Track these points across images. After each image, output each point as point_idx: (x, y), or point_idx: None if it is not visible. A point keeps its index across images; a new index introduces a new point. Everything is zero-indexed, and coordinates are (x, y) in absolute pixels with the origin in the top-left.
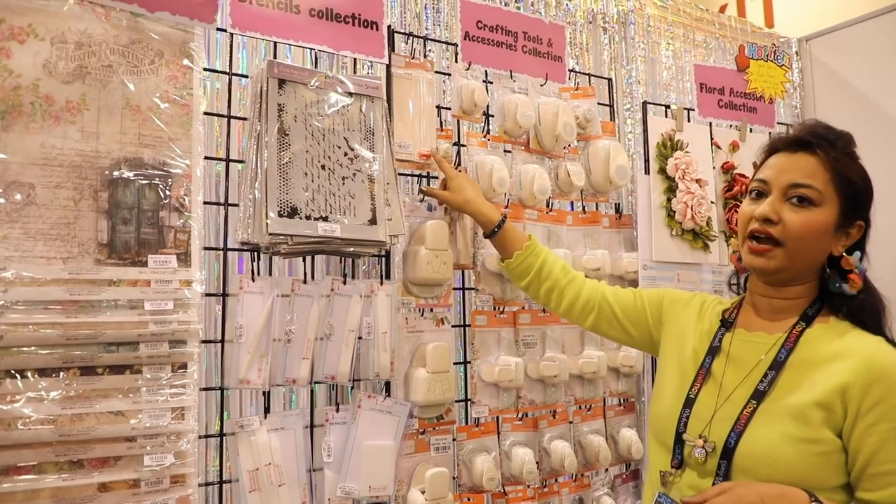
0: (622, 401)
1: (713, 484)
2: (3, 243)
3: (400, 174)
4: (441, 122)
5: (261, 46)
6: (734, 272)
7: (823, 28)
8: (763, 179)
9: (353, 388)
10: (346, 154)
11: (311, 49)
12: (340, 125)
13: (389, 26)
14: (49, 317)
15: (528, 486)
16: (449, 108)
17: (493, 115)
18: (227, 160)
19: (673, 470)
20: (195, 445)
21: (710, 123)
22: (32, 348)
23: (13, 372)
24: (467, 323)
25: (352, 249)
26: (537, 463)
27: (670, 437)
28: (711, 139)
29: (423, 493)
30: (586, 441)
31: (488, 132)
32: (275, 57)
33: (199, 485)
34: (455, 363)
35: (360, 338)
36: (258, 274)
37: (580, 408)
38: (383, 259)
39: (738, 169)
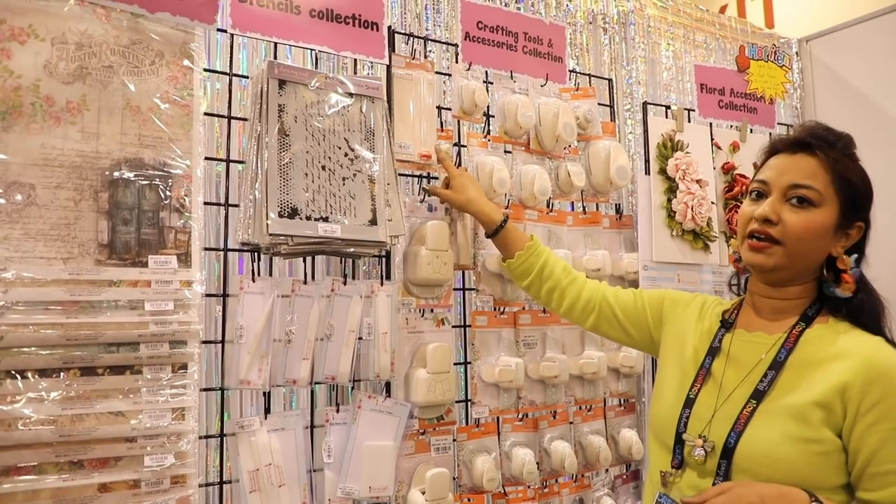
0: (622, 401)
1: (713, 484)
2: (4, 244)
3: (400, 175)
4: (441, 123)
5: (261, 47)
6: (734, 273)
7: (824, 28)
8: (763, 180)
9: (353, 388)
10: (346, 154)
11: (311, 50)
12: (341, 126)
13: (390, 27)
14: (49, 317)
15: (529, 487)
16: (449, 109)
17: (493, 116)
18: (228, 161)
19: (673, 470)
20: (195, 446)
21: (711, 124)
22: (33, 349)
23: (14, 372)
24: (468, 323)
25: (352, 250)
26: (538, 463)
27: (670, 438)
28: (712, 140)
29: (423, 493)
30: (587, 441)
31: (489, 133)
32: (275, 57)
33: (200, 485)
34: (455, 364)
35: (360, 338)
36: (258, 274)
37: (580, 408)
38: (384, 259)
39: (738, 169)
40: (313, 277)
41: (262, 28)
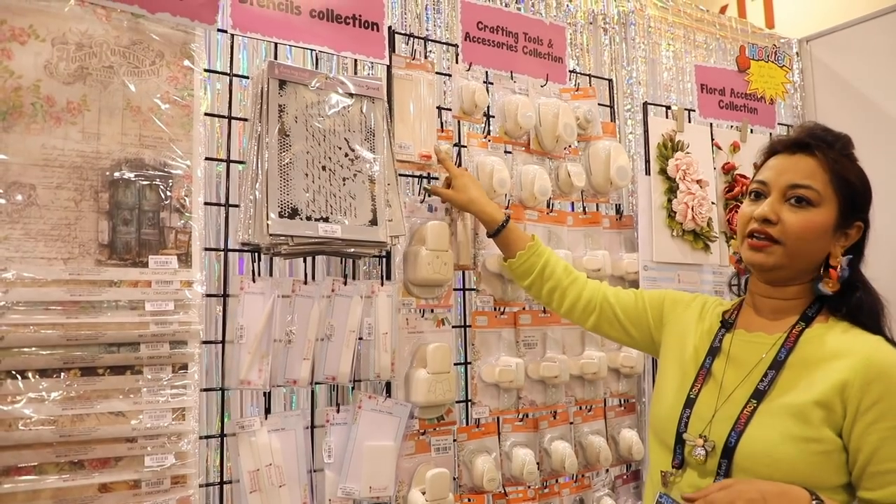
0: (623, 401)
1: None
2: (4, 244)
3: (400, 175)
4: (442, 123)
5: (261, 47)
6: (734, 273)
7: (824, 29)
8: (762, 181)
9: (353, 388)
10: (346, 155)
11: (311, 50)
12: (341, 126)
13: (390, 27)
14: (50, 317)
15: (529, 487)
16: (449, 109)
17: (493, 116)
18: (228, 161)
19: (674, 470)
20: (196, 446)
21: (711, 124)
22: (33, 349)
23: (14, 372)
24: (468, 323)
25: (352, 250)
26: (538, 463)
27: (671, 437)
28: (712, 140)
29: (423, 493)
30: (587, 442)
31: (489, 133)
32: (275, 58)
33: (200, 485)
34: (456, 364)
35: (360, 338)
36: (259, 274)
37: (581, 408)
38: (384, 260)
39: (738, 170)
40: (314, 278)
41: (263, 28)
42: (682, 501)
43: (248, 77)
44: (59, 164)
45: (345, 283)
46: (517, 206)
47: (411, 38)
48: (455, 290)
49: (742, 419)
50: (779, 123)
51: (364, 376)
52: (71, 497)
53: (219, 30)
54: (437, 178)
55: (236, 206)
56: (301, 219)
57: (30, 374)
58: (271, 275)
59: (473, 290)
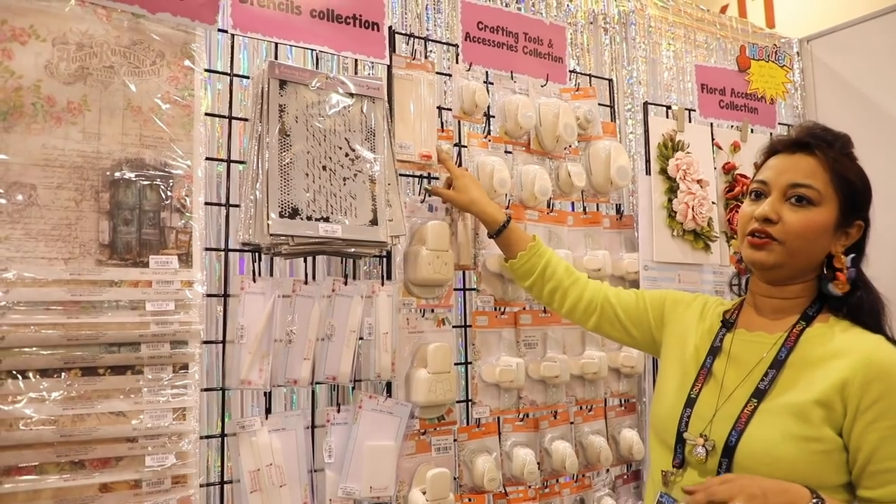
0: (623, 401)
1: None
2: (5, 244)
3: (401, 175)
4: (442, 123)
5: (262, 47)
6: (735, 273)
7: (824, 28)
8: (763, 180)
9: (354, 388)
10: (347, 155)
11: (312, 50)
12: (341, 126)
13: (390, 27)
14: (50, 317)
15: (530, 487)
16: (450, 109)
17: (493, 116)
18: (229, 161)
19: (674, 469)
20: (196, 446)
21: (712, 124)
22: (34, 349)
23: (15, 372)
24: (468, 323)
25: (353, 250)
26: (538, 463)
27: (671, 437)
28: (713, 140)
29: (424, 493)
30: (587, 441)
31: (489, 133)
32: (276, 58)
33: (201, 485)
34: (456, 364)
35: (361, 338)
36: (259, 274)
37: (581, 408)
38: (384, 260)
39: (739, 169)
40: (314, 277)
41: (263, 28)
42: (683, 502)
43: (248, 77)
44: (59, 164)
45: (345, 283)
46: (517, 205)
47: (412, 38)
48: (455, 289)
49: (742, 418)
50: (779, 123)
51: (364, 376)
52: (71, 497)
53: (219, 30)
54: (437, 178)
55: (237, 206)
56: (301, 219)
57: (30, 374)
58: (272, 275)
59: (474, 289)
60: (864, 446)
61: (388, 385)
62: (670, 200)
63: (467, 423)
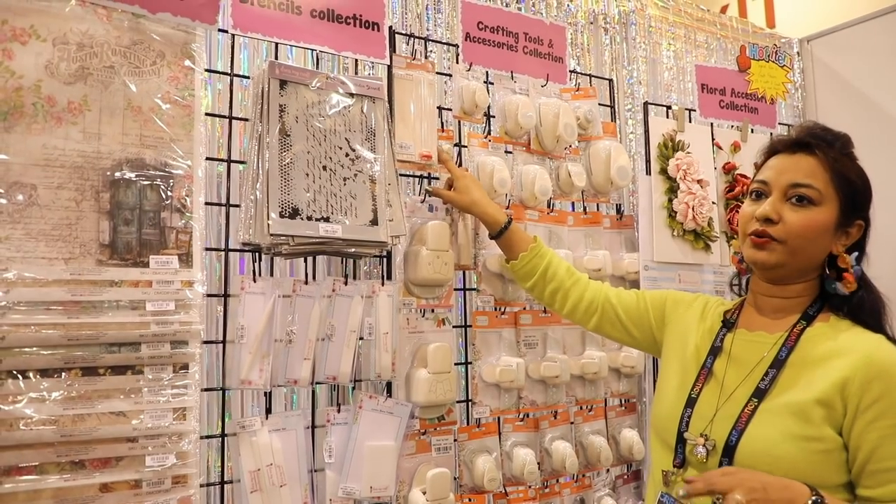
0: (623, 401)
1: None
2: (5, 244)
3: (401, 175)
4: (442, 123)
5: (262, 47)
6: (736, 273)
7: (825, 28)
8: (763, 180)
9: (354, 388)
10: (347, 155)
11: (312, 50)
12: (342, 126)
13: (391, 27)
14: (51, 317)
15: (530, 487)
16: (450, 109)
17: (493, 116)
18: (229, 161)
19: (675, 469)
20: (197, 446)
21: (712, 124)
22: (34, 349)
23: (15, 372)
24: (468, 323)
25: (353, 250)
26: (538, 463)
27: (672, 437)
28: (713, 140)
29: (424, 493)
30: (587, 442)
31: (489, 133)
32: (276, 58)
33: (201, 485)
34: (456, 364)
35: (361, 338)
36: (259, 274)
37: (581, 408)
38: (384, 260)
39: (739, 169)
40: (314, 277)
41: (263, 28)
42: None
43: (248, 77)
44: (60, 164)
45: (345, 283)
46: (518, 205)
47: (412, 38)
48: (456, 289)
49: (743, 418)
50: (779, 123)
51: (365, 376)
52: (72, 497)
53: (219, 30)
54: (437, 178)
55: (237, 206)
56: (302, 219)
57: (31, 374)
58: (272, 275)
59: (474, 289)
60: (863, 445)
61: (389, 385)
62: (670, 200)
63: (467, 423)
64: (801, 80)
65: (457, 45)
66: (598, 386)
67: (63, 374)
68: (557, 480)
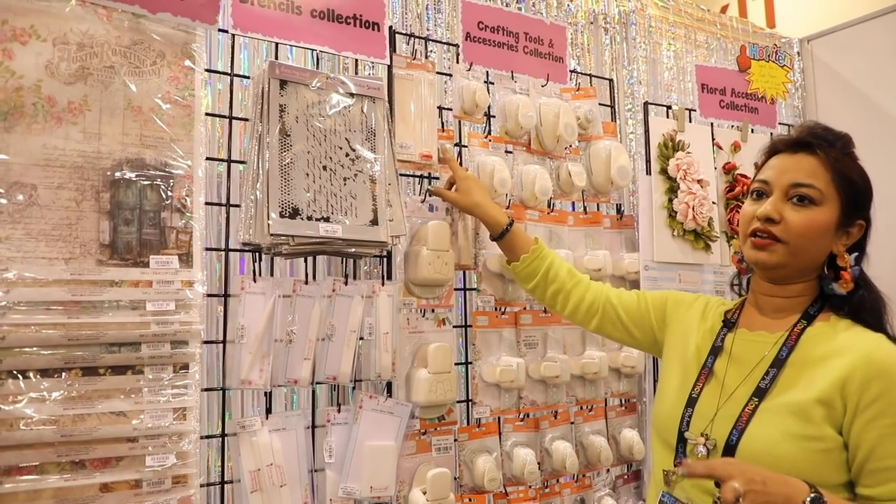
0: (623, 401)
1: (715, 483)
2: (6, 244)
3: (401, 175)
4: (442, 123)
5: (262, 47)
6: (736, 273)
7: (825, 28)
8: (764, 180)
9: (354, 388)
10: (347, 155)
11: (312, 50)
12: (342, 126)
13: (391, 27)
14: (51, 317)
15: (530, 487)
16: (450, 109)
17: (494, 116)
18: (229, 161)
19: (676, 469)
20: (197, 446)
21: (712, 124)
22: (34, 349)
23: (15, 372)
24: (469, 323)
25: (353, 250)
26: (539, 463)
27: (673, 436)
28: (713, 140)
29: (424, 493)
30: (588, 441)
31: (489, 133)
32: (276, 58)
33: (201, 485)
34: (456, 364)
35: (361, 338)
36: (260, 274)
37: (581, 408)
38: (385, 260)
39: (739, 169)
40: (314, 277)
41: (264, 28)
42: (684, 501)
43: (248, 77)
44: (60, 164)
45: (346, 283)
46: (518, 205)
47: (412, 38)
48: (456, 289)
49: (743, 417)
50: (780, 123)
51: (365, 376)
52: (72, 497)
53: (220, 30)
54: (437, 178)
55: (237, 205)
56: (302, 219)
57: (31, 374)
58: (272, 275)
59: (474, 289)
60: (863, 444)
61: (389, 385)
62: (671, 200)
63: (468, 423)
64: (802, 80)
65: (457, 45)
66: (599, 386)
67: (63, 374)
68: (558, 480)
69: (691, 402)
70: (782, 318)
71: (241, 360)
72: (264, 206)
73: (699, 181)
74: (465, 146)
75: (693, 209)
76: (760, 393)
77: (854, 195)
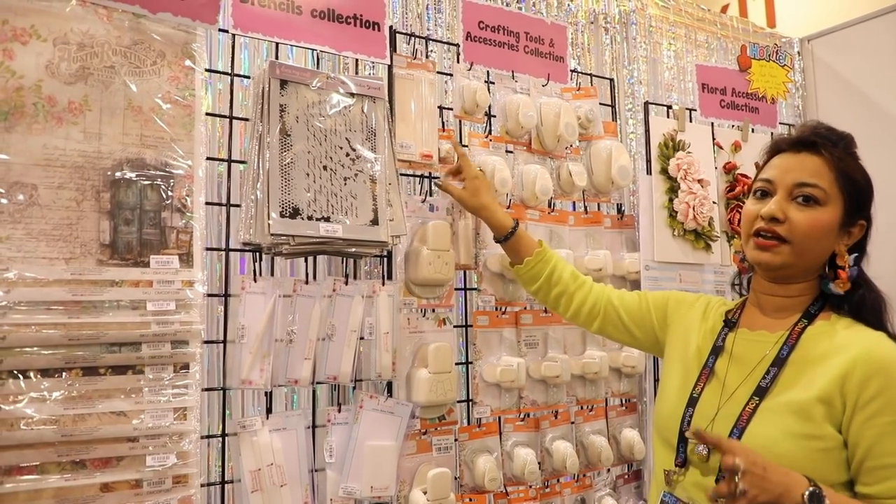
0: (624, 401)
1: (716, 482)
2: (6, 244)
3: (402, 174)
4: (443, 123)
5: (262, 47)
6: (737, 273)
7: (825, 28)
8: (768, 179)
9: (354, 388)
10: (347, 154)
11: (312, 50)
12: (342, 126)
13: (391, 27)
14: (51, 317)
15: (530, 487)
16: (451, 109)
17: (494, 116)
18: (229, 161)
19: (677, 468)
20: (197, 446)
21: (712, 124)
22: (35, 349)
23: (16, 372)
24: (469, 323)
25: (354, 250)
26: (539, 463)
27: (674, 436)
28: (713, 139)
29: (424, 493)
30: (588, 441)
31: (490, 132)
32: (276, 58)
33: (202, 485)
34: (457, 363)
35: (361, 338)
36: (260, 274)
37: (582, 408)
38: (385, 259)
39: (740, 169)
40: (315, 277)
41: (264, 28)
42: (686, 501)
43: (249, 77)
44: (60, 164)
45: (346, 283)
46: (518, 205)
47: (412, 38)
48: (456, 289)
49: (744, 417)
50: (780, 123)
51: (365, 376)
52: (73, 496)
53: (220, 30)
54: (437, 178)
55: (237, 205)
56: (302, 218)
57: (31, 374)
58: (272, 274)
59: (475, 289)
60: (862, 442)
61: (389, 385)
62: (671, 200)
63: (468, 423)
64: (802, 79)
65: (457, 45)
66: (599, 386)
67: (64, 373)
68: (558, 480)
69: (692, 402)
70: (783, 317)
71: (242, 359)
72: (265, 205)
73: (700, 181)
74: (466, 146)
75: (693, 209)
76: (761, 392)
77: (857, 195)
